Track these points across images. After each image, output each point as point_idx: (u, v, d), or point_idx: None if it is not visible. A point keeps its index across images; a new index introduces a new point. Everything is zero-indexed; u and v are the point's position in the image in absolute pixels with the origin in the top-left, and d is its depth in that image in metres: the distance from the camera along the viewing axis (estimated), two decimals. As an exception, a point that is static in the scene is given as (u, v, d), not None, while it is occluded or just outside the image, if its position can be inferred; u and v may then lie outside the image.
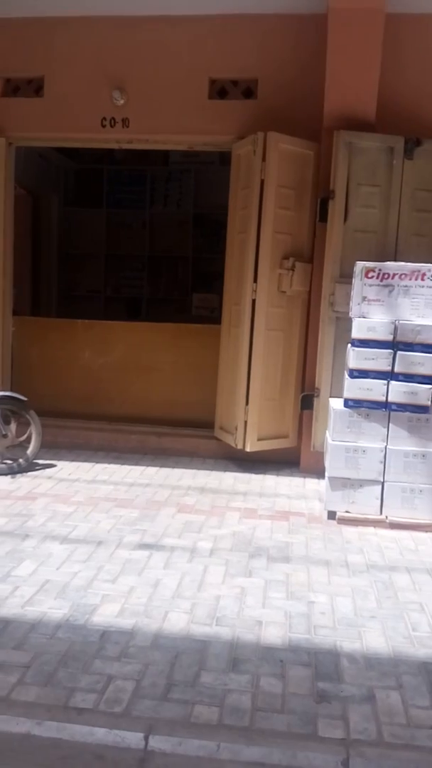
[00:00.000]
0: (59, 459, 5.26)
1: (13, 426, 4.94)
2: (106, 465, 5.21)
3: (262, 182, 4.92)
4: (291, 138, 4.98)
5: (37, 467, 5.00)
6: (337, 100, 4.84)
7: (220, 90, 5.35)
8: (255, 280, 5.00)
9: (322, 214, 4.94)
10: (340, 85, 4.81)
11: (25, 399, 4.95)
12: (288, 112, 5.10)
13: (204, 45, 5.26)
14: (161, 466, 5.24)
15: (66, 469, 5.06)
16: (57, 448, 5.45)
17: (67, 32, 5.38)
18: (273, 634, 2.77)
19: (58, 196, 8.46)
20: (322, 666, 2.56)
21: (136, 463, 5.29)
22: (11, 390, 5.27)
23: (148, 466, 5.25)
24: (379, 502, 4.11)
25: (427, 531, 4.02)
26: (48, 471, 4.97)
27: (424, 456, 4.05)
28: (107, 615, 2.86)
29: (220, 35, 5.22)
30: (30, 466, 4.94)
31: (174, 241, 8.55)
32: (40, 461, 5.09)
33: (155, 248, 8.63)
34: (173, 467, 5.24)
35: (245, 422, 5.11)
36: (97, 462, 5.27)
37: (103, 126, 5.47)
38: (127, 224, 8.62)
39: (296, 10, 5.00)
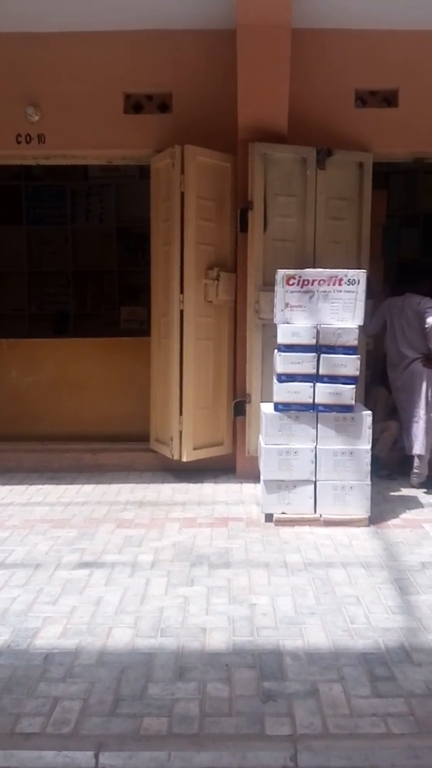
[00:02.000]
0: (-9, 483, 5.14)
1: None
2: (40, 486, 5.12)
3: (183, 195, 4.98)
4: (208, 150, 5.07)
5: (-32, 493, 4.87)
6: (250, 113, 4.97)
7: (135, 104, 5.39)
8: (182, 291, 5.05)
9: (242, 224, 5.06)
10: (252, 99, 4.94)
11: None
12: (204, 126, 5.20)
13: (117, 60, 5.29)
14: (98, 483, 5.20)
15: (-1, 492, 4.94)
16: (-12, 472, 5.32)
17: (-25, 49, 5.29)
18: (217, 640, 2.81)
19: (-25, 214, 8.26)
20: (266, 666, 2.62)
21: (72, 482, 5.22)
22: None
23: (84, 484, 5.19)
24: (312, 501, 4.23)
25: (359, 526, 4.17)
26: (-20, 496, 4.84)
27: (351, 453, 4.20)
28: (49, 637, 2.83)
29: (133, 51, 5.27)
30: (-39, 493, 4.80)
31: (98, 255, 8.49)
32: (-28, 486, 4.96)
33: (79, 263, 8.53)
34: (110, 483, 5.20)
35: (180, 432, 5.14)
36: (30, 484, 5.17)
37: (18, 142, 5.40)
38: (48, 240, 8.48)
39: (206, 26, 5.11)
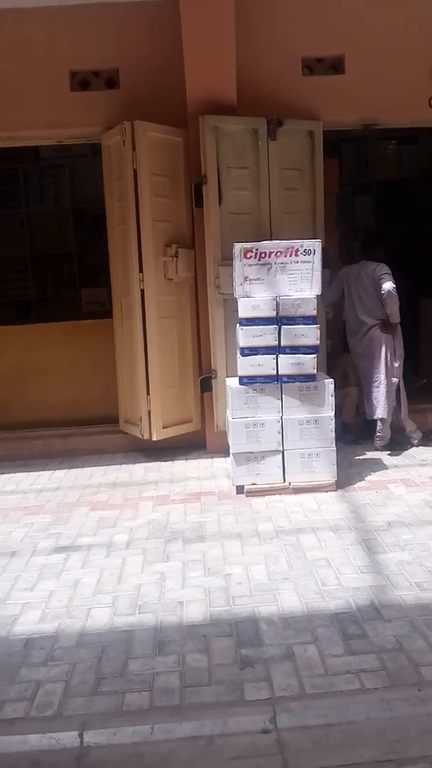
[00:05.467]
0: (-39, 474, 5.10)
1: None
2: (11, 474, 5.10)
3: (135, 172, 4.92)
4: (158, 126, 5.00)
5: None
6: (198, 85, 4.90)
7: (81, 81, 5.27)
8: (141, 270, 5.01)
9: (197, 199, 5.02)
10: (200, 70, 4.87)
11: None
12: (153, 100, 5.11)
13: (60, 37, 5.15)
14: (70, 468, 5.20)
15: (-30, 483, 4.92)
16: (-43, 463, 5.28)
17: None
18: (194, 612, 2.87)
19: None
20: (242, 633, 2.69)
21: (44, 468, 5.21)
22: None
23: (56, 469, 5.18)
24: (281, 470, 4.31)
25: (327, 491, 4.27)
26: None
27: (316, 421, 4.27)
28: (29, 623, 2.86)
29: (76, 26, 5.13)
30: None
31: (55, 238, 8.36)
32: None
33: (37, 247, 8.39)
34: (82, 467, 5.21)
35: (149, 412, 5.15)
36: (1, 473, 5.15)
37: (-37, 126, 5.27)
38: (3, 225, 8.31)
39: (148, -3, 5.01)
